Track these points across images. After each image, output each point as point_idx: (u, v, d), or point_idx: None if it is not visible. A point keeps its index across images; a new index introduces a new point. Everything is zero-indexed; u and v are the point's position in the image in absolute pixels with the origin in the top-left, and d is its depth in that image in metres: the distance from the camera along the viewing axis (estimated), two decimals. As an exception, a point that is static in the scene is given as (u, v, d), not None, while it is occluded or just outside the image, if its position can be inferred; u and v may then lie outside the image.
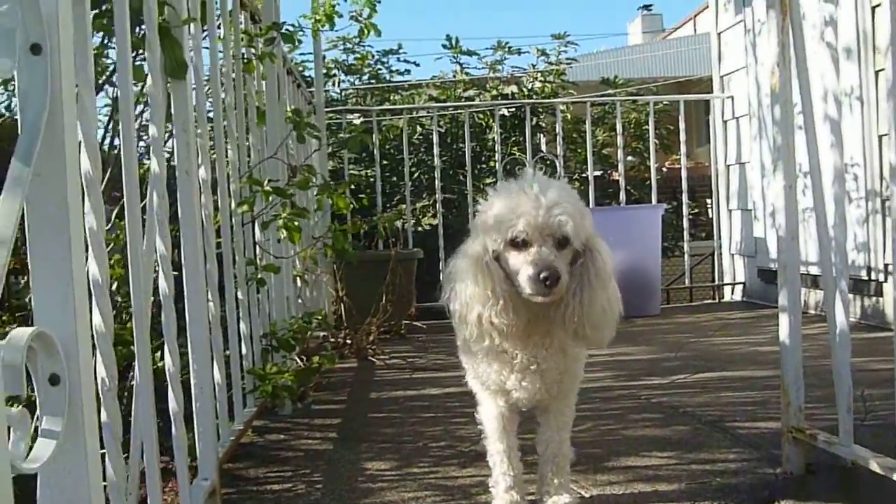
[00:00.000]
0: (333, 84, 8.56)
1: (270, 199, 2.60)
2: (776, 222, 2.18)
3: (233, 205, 2.50)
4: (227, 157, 2.47)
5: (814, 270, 4.68)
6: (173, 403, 1.72)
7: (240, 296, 2.57)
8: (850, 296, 4.40)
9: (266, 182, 2.57)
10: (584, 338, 1.73)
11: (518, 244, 1.67)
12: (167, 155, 2.04)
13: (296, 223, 2.52)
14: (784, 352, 2.13)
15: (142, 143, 2.27)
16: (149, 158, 1.80)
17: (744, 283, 6.06)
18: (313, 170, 2.97)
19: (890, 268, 4.24)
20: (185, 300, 1.94)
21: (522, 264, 1.66)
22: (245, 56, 2.95)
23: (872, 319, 4.45)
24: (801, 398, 2.12)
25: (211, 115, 2.39)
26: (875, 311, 4.45)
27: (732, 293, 6.24)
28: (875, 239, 4.33)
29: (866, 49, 4.31)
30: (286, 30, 3.52)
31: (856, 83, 4.36)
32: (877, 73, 4.25)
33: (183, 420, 1.74)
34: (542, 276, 1.62)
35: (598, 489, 2.07)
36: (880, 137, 4.27)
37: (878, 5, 4.22)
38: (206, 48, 2.36)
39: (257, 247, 2.82)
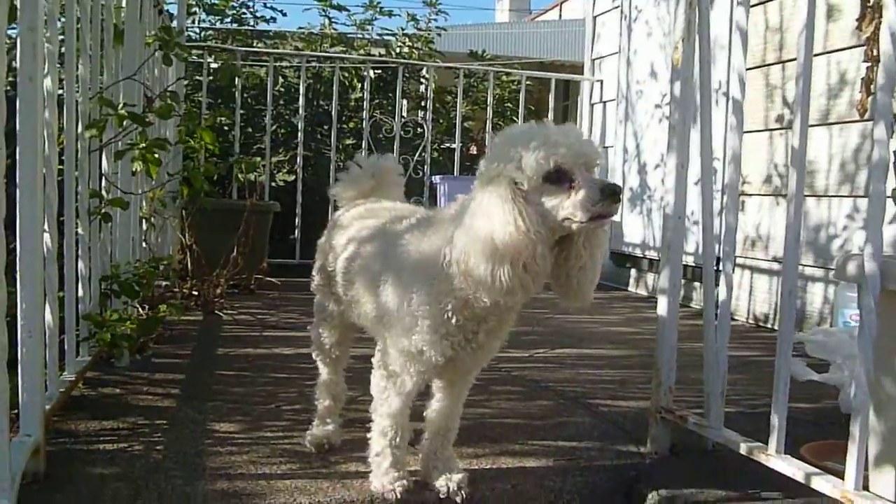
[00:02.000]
0: (193, 22, 8.00)
1: (124, 125, 2.30)
2: (665, 201, 2.14)
3: (80, 127, 2.20)
4: (77, 71, 2.16)
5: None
6: (-6, 347, 1.46)
7: (80, 231, 2.28)
8: (690, 283, 4.55)
9: (121, 106, 2.28)
10: (584, 296, 1.59)
11: (554, 178, 1.48)
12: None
13: (156, 155, 2.25)
14: (660, 332, 2.11)
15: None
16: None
17: (595, 265, 6.17)
18: (177, 97, 2.68)
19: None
20: (18, 229, 1.67)
21: (573, 191, 1.47)
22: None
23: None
24: (672, 379, 2.11)
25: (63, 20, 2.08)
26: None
27: (583, 274, 6.34)
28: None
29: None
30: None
31: (725, 78, 4.47)
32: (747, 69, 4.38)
33: (5, 367, 1.49)
34: (608, 188, 1.45)
35: (464, 462, 1.97)
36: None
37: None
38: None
39: (103, 178, 2.52)
